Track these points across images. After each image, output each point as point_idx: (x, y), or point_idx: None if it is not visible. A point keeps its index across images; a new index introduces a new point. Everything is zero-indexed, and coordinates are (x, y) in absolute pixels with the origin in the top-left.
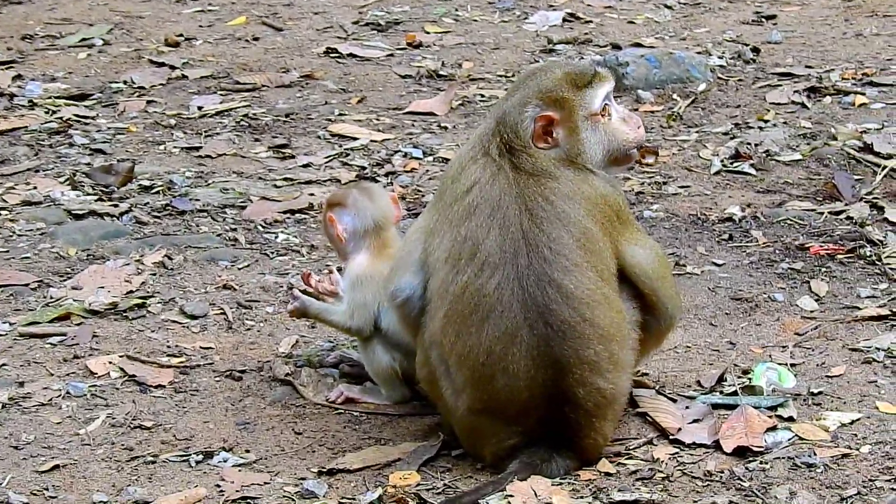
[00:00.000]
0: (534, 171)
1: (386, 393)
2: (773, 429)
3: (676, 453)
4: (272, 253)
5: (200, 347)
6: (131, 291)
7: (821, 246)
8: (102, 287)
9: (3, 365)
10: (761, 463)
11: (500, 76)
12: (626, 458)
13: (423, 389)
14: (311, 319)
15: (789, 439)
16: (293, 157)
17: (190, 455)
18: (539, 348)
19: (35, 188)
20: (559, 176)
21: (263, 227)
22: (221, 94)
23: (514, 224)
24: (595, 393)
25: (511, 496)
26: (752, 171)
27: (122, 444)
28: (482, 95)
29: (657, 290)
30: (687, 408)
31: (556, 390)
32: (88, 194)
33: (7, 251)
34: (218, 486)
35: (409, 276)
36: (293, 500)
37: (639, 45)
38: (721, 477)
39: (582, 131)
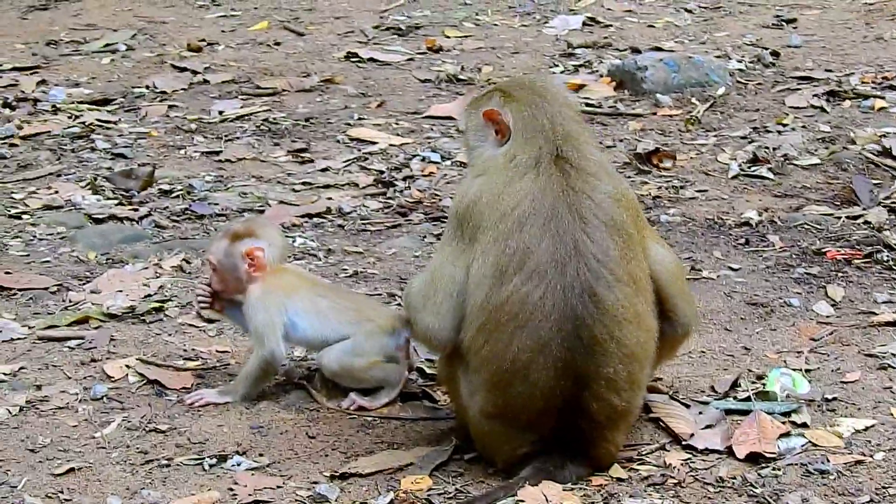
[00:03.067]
0: (584, 166)
1: (385, 389)
2: (787, 435)
3: (689, 459)
4: (290, 257)
5: (217, 351)
6: (149, 295)
7: (838, 251)
8: (121, 291)
9: (22, 368)
10: (774, 469)
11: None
12: (639, 464)
13: (442, 387)
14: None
15: (802, 445)
16: (312, 161)
17: (204, 458)
18: (564, 360)
19: (56, 192)
20: (603, 176)
21: (282, 230)
22: (242, 99)
23: (568, 232)
24: (608, 408)
25: (522, 501)
26: (770, 176)
27: (137, 448)
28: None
29: (675, 297)
30: (700, 413)
31: (571, 402)
32: (109, 199)
33: (27, 255)
34: (231, 489)
35: (444, 319)
36: None
37: (658, 48)
38: (733, 483)
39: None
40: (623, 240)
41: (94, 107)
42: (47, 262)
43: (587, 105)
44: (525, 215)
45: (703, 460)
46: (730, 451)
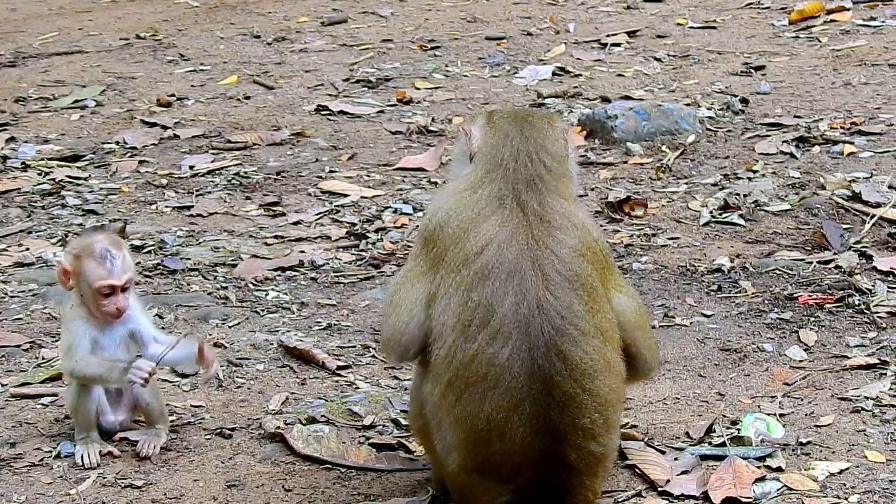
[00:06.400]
0: (549, 218)
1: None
2: (762, 479)
3: None
4: (263, 311)
5: (191, 406)
6: None
7: (809, 295)
8: None
9: None
10: None
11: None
12: None
13: (415, 439)
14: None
15: (778, 490)
16: (284, 214)
17: None
18: (539, 417)
19: (27, 249)
20: (568, 229)
21: (254, 284)
22: (213, 153)
23: (531, 290)
24: (587, 456)
25: None
26: (741, 222)
27: None
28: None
29: (638, 340)
30: (676, 459)
31: (550, 454)
32: None
33: None
34: None
35: (409, 336)
36: None
37: (628, 97)
38: None
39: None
40: (588, 293)
41: (64, 163)
42: (19, 319)
43: None
44: (489, 267)
45: None
46: (706, 497)
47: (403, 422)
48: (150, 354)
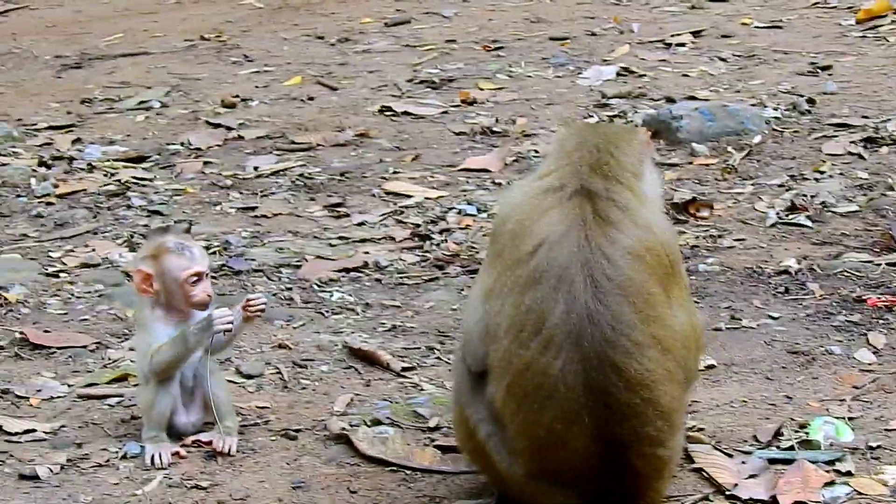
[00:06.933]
0: (608, 213)
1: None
2: (831, 484)
3: None
4: (327, 312)
5: (256, 407)
6: None
7: (878, 298)
8: None
9: (62, 426)
10: None
11: (554, 131)
12: None
13: (469, 461)
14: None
15: (847, 494)
16: (348, 215)
17: None
18: (599, 428)
19: (93, 250)
20: (627, 222)
21: (318, 286)
22: (277, 154)
23: (580, 299)
24: (654, 461)
25: None
26: (808, 223)
27: None
28: (536, 151)
29: (683, 359)
30: (743, 463)
31: (615, 461)
32: None
33: (66, 313)
34: None
35: (479, 344)
36: None
37: (693, 98)
38: None
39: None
40: (643, 300)
41: (130, 164)
42: (85, 319)
43: None
44: (540, 270)
45: None
46: (774, 501)
47: None
48: (219, 340)
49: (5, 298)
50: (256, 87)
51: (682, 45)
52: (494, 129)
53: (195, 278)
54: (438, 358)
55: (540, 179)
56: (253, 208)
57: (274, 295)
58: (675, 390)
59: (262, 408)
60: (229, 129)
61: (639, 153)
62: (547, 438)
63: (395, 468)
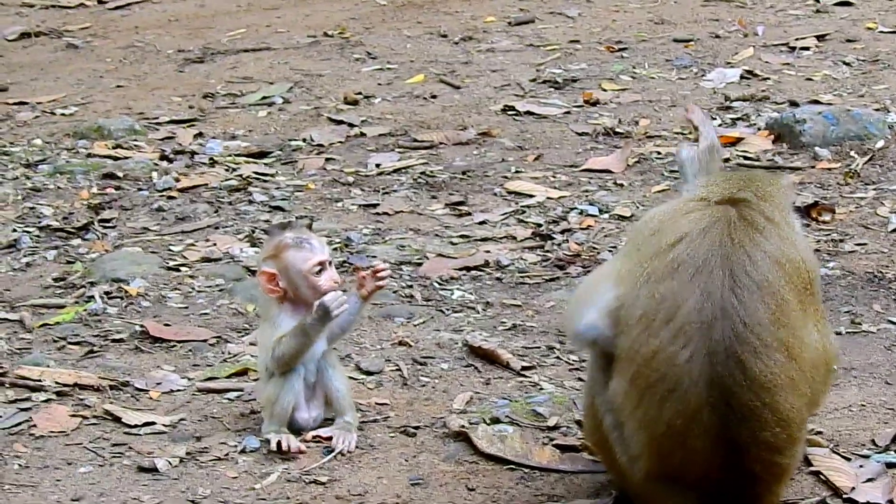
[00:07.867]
0: (754, 219)
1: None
2: None
3: None
4: (447, 310)
5: (376, 403)
6: None
7: None
8: None
9: (182, 419)
10: None
11: (677, 133)
12: None
13: (594, 453)
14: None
15: None
16: (469, 214)
17: None
18: (718, 428)
19: (214, 245)
20: (772, 231)
21: (439, 283)
22: (399, 152)
23: (716, 291)
24: (773, 467)
25: None
26: None
27: (297, 500)
28: (658, 153)
29: (811, 376)
30: (861, 467)
31: (733, 465)
32: None
33: (186, 307)
34: None
35: (594, 317)
36: None
37: (816, 102)
38: None
39: None
40: (777, 303)
41: (251, 159)
42: (206, 314)
43: (745, 158)
44: (679, 260)
45: None
46: None
47: None
48: (338, 323)
49: (126, 292)
50: (379, 84)
51: (807, 48)
52: (617, 129)
53: (319, 268)
54: (558, 357)
55: (685, 194)
56: (374, 205)
57: (395, 292)
58: (796, 400)
59: (382, 404)
60: (351, 125)
61: (783, 193)
62: (666, 436)
63: (513, 466)
